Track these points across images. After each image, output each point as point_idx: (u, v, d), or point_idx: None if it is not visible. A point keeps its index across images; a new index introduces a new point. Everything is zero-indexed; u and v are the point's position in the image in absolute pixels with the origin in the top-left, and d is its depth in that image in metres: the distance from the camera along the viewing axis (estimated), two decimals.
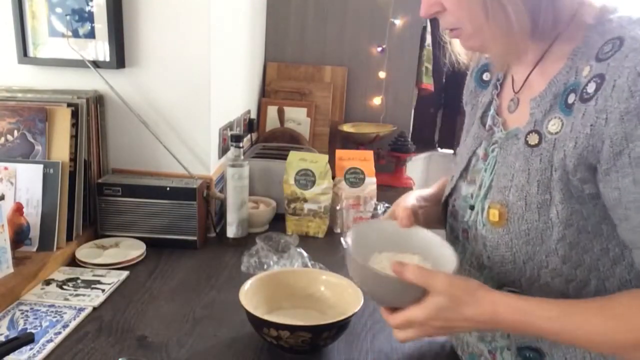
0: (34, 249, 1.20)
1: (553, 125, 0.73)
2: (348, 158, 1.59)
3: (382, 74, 2.15)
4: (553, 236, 0.73)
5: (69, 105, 1.27)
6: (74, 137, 1.27)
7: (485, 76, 0.93)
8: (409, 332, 0.76)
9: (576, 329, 0.69)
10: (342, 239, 0.88)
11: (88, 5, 1.33)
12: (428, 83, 2.28)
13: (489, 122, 0.87)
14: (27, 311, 1.03)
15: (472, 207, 0.85)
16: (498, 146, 0.83)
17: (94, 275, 1.18)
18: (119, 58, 1.37)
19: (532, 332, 0.73)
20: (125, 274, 1.20)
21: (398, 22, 2.10)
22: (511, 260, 0.77)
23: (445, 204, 0.94)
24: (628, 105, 0.63)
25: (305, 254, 1.26)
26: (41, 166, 1.22)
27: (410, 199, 0.94)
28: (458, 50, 0.88)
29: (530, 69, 0.80)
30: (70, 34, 1.35)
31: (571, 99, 0.72)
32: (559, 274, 0.75)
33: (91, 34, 1.36)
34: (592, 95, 0.67)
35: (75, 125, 1.28)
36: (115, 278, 1.17)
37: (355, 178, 1.56)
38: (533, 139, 0.76)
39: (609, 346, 0.69)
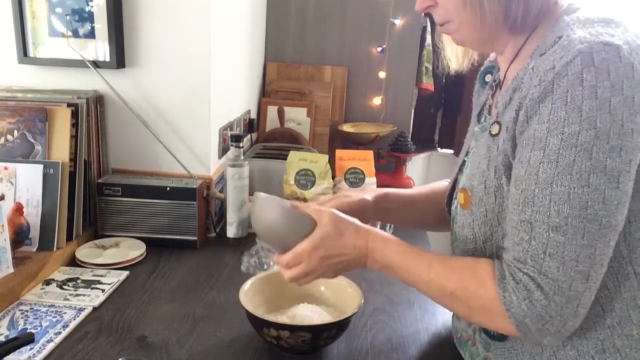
0: (34, 249, 1.20)
1: (509, 116, 0.77)
2: (348, 158, 1.59)
3: (382, 74, 2.15)
4: (506, 218, 0.77)
5: (69, 105, 1.27)
6: (74, 137, 1.27)
7: (488, 77, 0.97)
8: (297, 268, 0.85)
9: (417, 268, 0.81)
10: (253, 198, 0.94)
11: (88, 5, 1.33)
12: (428, 83, 2.28)
13: (482, 120, 0.92)
14: (27, 311, 1.03)
15: (456, 198, 0.91)
16: (474, 139, 0.89)
17: (94, 275, 1.18)
18: (119, 58, 1.37)
19: (386, 263, 0.84)
20: (125, 274, 1.20)
21: (398, 22, 2.10)
22: (472, 239, 0.83)
23: (450, 197, 0.98)
24: (534, 91, 0.70)
25: None
26: (41, 166, 1.22)
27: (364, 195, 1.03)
28: (449, 56, 0.94)
29: (507, 68, 0.85)
30: (70, 34, 1.35)
31: (516, 91, 0.77)
32: None
33: (91, 34, 1.36)
34: (523, 85, 0.74)
35: (75, 125, 1.28)
36: (115, 278, 1.17)
37: (355, 178, 1.56)
38: (494, 129, 0.81)
39: (436, 289, 0.80)
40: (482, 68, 1.01)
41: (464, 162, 0.94)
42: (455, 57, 0.94)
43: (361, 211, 0.99)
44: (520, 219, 0.71)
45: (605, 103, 0.66)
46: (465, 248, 0.85)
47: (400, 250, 0.84)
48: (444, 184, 1.12)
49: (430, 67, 2.27)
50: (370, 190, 1.07)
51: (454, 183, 0.97)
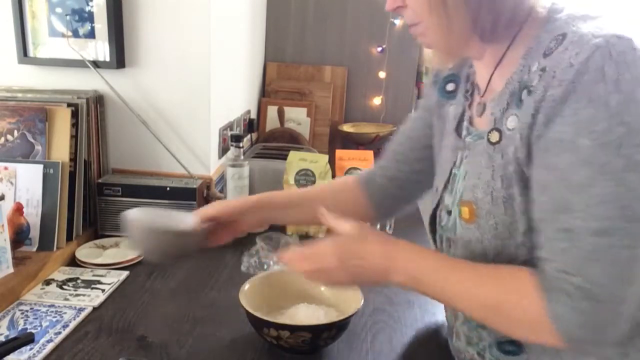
0: (34, 249, 1.20)
1: (511, 122, 0.75)
2: (348, 158, 1.59)
3: (382, 74, 2.15)
4: (519, 229, 0.74)
5: (69, 105, 1.27)
6: (74, 137, 1.27)
7: (450, 87, 0.93)
8: (313, 263, 0.82)
9: (455, 280, 0.75)
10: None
11: (88, 5, 1.33)
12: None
13: (464, 132, 0.88)
14: (27, 311, 1.03)
15: (449, 212, 0.86)
16: (467, 150, 0.85)
17: (94, 275, 1.18)
18: (119, 58, 1.37)
19: (418, 273, 0.77)
20: (125, 274, 1.20)
21: (398, 22, 2.10)
22: (482, 254, 0.78)
23: (433, 217, 0.94)
24: (555, 92, 0.66)
25: None
26: (41, 166, 1.22)
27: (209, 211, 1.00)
28: (429, 57, 0.90)
29: (490, 73, 0.82)
30: (70, 34, 1.35)
31: (524, 95, 0.74)
32: (528, 265, 0.75)
33: (91, 34, 1.36)
34: (535, 88, 0.70)
35: (75, 125, 1.28)
36: (115, 278, 1.17)
37: None
38: (494, 136, 0.78)
39: (476, 303, 0.73)
40: (438, 77, 0.97)
41: (448, 179, 0.89)
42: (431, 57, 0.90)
43: (242, 211, 1.00)
44: (557, 227, 0.67)
45: (630, 96, 0.64)
46: None
47: (432, 258, 0.78)
48: (346, 178, 1.12)
49: (430, 67, 2.27)
50: (363, 164, 1.08)
51: (438, 202, 0.91)
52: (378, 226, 1.40)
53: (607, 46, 0.65)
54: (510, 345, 0.81)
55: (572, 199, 0.66)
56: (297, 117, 2.10)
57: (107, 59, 1.36)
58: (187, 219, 0.98)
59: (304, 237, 1.45)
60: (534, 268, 0.71)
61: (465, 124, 0.88)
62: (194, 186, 1.34)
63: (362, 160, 1.59)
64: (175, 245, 0.94)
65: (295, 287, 1.05)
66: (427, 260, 0.77)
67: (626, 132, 0.63)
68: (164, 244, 0.93)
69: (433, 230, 0.95)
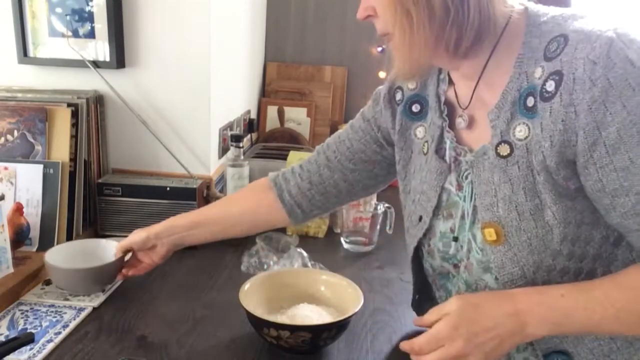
0: (34, 249, 1.20)
1: (520, 132, 0.73)
2: None
3: (382, 74, 2.15)
4: (555, 238, 0.72)
5: (69, 105, 1.27)
6: (74, 137, 1.27)
7: (415, 108, 0.90)
8: (437, 353, 0.71)
9: (597, 305, 0.68)
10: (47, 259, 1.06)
11: (88, 5, 1.33)
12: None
13: (451, 154, 0.84)
14: (27, 311, 1.03)
15: (455, 239, 0.83)
16: (469, 170, 0.81)
17: None
18: (119, 58, 1.37)
19: (554, 314, 0.70)
20: None
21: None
22: (521, 275, 0.75)
23: (417, 248, 0.91)
24: (592, 94, 0.65)
25: (305, 254, 1.26)
26: (41, 166, 1.22)
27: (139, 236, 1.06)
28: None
29: (474, 84, 0.79)
30: (70, 34, 1.35)
31: (530, 102, 0.72)
32: (567, 272, 0.74)
33: (91, 34, 1.36)
34: (554, 93, 0.68)
35: (75, 125, 1.28)
36: (116, 278, 1.17)
37: None
38: (504, 149, 0.75)
39: (632, 319, 0.68)
40: (394, 96, 0.93)
41: (437, 205, 0.85)
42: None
43: (150, 244, 1.06)
44: None
45: None
46: (513, 286, 0.75)
47: (564, 292, 0.70)
48: (259, 181, 1.12)
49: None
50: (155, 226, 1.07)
51: (428, 227, 0.87)
52: (378, 226, 1.40)
53: (618, 37, 0.65)
54: (559, 356, 0.77)
55: None
56: (297, 117, 2.10)
57: (107, 59, 1.36)
58: (109, 249, 1.12)
59: (304, 237, 1.45)
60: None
61: (448, 144, 0.84)
62: (194, 186, 1.34)
63: None
64: (97, 280, 1.08)
65: (295, 287, 1.05)
66: (560, 296, 0.70)
67: None
68: (86, 281, 1.07)
69: (417, 262, 0.92)
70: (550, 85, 0.69)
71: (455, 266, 0.85)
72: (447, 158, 0.85)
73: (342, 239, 1.42)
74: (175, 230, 1.07)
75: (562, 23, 0.71)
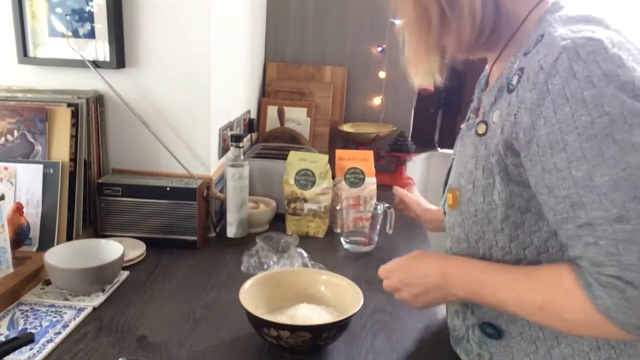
0: (34, 249, 1.20)
1: (496, 116, 0.78)
2: (348, 158, 1.59)
3: (382, 74, 2.15)
4: (497, 216, 0.78)
5: (69, 105, 1.27)
6: (74, 137, 1.27)
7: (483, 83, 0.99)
8: (385, 281, 0.94)
9: (504, 285, 0.77)
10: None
11: (88, 5, 1.33)
12: (428, 83, 2.28)
13: (468, 120, 0.94)
14: (27, 311, 1.03)
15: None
16: (460, 138, 0.90)
17: None
18: (119, 58, 1.37)
19: (472, 283, 0.81)
20: (125, 274, 1.20)
21: (398, 22, 2.10)
22: (465, 239, 0.84)
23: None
24: (532, 96, 0.69)
25: (305, 254, 1.26)
26: (41, 166, 1.22)
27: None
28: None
29: (491, 67, 0.87)
30: (70, 34, 1.35)
31: (505, 92, 0.77)
32: (508, 252, 0.80)
33: (91, 34, 1.36)
34: (514, 87, 0.73)
35: (75, 125, 1.28)
36: (115, 278, 1.17)
37: (355, 178, 1.56)
38: (481, 128, 0.81)
39: (526, 305, 0.75)
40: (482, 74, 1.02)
41: (451, 163, 0.95)
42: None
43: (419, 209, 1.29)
44: (577, 224, 0.68)
45: (605, 90, 0.65)
46: (458, 248, 0.86)
47: (483, 267, 0.81)
48: None
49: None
50: (364, 164, 1.18)
51: (445, 183, 0.98)
52: (380, 219, 1.40)
53: (573, 47, 0.67)
54: (491, 328, 0.84)
55: (583, 194, 0.67)
56: (297, 117, 2.10)
57: (107, 59, 1.36)
58: (109, 249, 1.14)
59: (304, 237, 1.46)
60: (572, 263, 0.72)
61: (471, 113, 0.94)
62: (194, 186, 1.34)
63: (362, 160, 1.59)
64: (97, 280, 1.09)
65: (295, 287, 1.05)
66: (477, 271, 0.81)
67: (611, 121, 0.65)
68: (86, 281, 1.07)
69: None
70: (515, 79, 0.74)
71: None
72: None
73: (342, 239, 1.42)
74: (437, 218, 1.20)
75: (552, 24, 0.74)
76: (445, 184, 0.97)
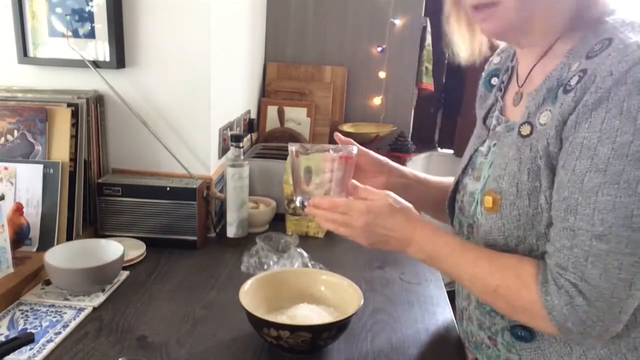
0: (34, 249, 1.20)
1: (544, 117, 0.77)
2: None
3: (382, 74, 2.15)
4: (542, 221, 0.77)
5: (69, 105, 1.27)
6: (74, 137, 1.27)
7: (494, 81, 0.97)
8: (341, 217, 0.87)
9: (463, 262, 0.81)
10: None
11: (88, 5, 1.33)
12: (428, 83, 2.28)
13: (493, 122, 0.91)
14: (27, 311, 1.03)
15: (473, 200, 0.90)
16: (496, 139, 0.87)
17: None
18: (119, 58, 1.37)
19: (432, 252, 0.84)
20: (125, 274, 1.20)
21: (398, 22, 2.10)
22: (503, 243, 0.81)
23: (452, 199, 0.98)
24: (589, 98, 0.69)
25: (305, 254, 1.26)
26: (41, 166, 1.22)
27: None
28: (457, 49, 0.92)
29: (533, 64, 0.84)
30: (70, 34, 1.35)
31: (560, 92, 0.76)
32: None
33: (91, 34, 1.35)
34: (573, 88, 0.72)
35: (75, 125, 1.28)
36: (115, 278, 1.17)
37: None
38: (525, 129, 0.79)
39: (480, 284, 0.79)
40: (484, 72, 1.01)
41: (468, 164, 0.93)
42: (464, 45, 0.91)
43: (379, 173, 1.03)
44: (563, 226, 0.71)
45: None
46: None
47: (450, 242, 0.84)
48: (451, 179, 1.13)
49: (430, 67, 2.27)
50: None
51: (456, 184, 0.96)
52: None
53: None
54: (523, 331, 0.83)
55: (582, 202, 0.69)
56: (297, 117, 2.10)
57: (107, 59, 1.36)
58: (109, 249, 1.13)
59: (304, 237, 1.45)
60: (534, 260, 0.76)
61: (496, 113, 0.91)
62: (194, 186, 1.34)
63: None
64: (97, 280, 1.09)
65: (295, 287, 1.05)
66: (442, 242, 0.84)
67: None
68: (86, 281, 1.07)
69: (451, 214, 0.99)
70: (574, 80, 0.72)
71: (470, 226, 0.91)
72: (489, 125, 0.92)
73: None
74: (405, 176, 1.07)
75: (618, 27, 0.72)
76: (457, 183, 0.95)
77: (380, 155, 1.05)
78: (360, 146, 0.99)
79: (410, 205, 0.89)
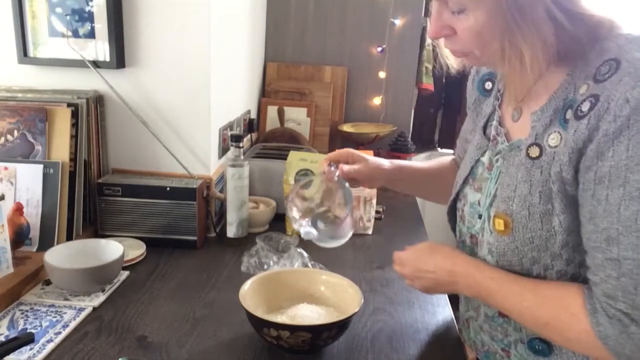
0: (34, 249, 1.20)
1: (553, 140, 0.76)
2: None
3: (382, 74, 2.15)
4: (557, 243, 0.76)
5: (69, 105, 1.27)
6: (74, 137, 1.27)
7: (487, 85, 0.96)
8: (398, 268, 0.95)
9: (512, 296, 0.80)
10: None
11: (88, 5, 1.33)
12: (428, 83, 2.28)
13: (492, 132, 0.90)
14: (27, 311, 1.03)
15: (480, 216, 0.88)
16: (501, 157, 0.86)
17: None
18: (119, 58, 1.37)
19: (479, 289, 0.83)
20: (125, 274, 1.20)
21: (398, 22, 2.10)
22: (519, 264, 0.81)
23: (452, 208, 0.97)
24: (609, 127, 0.67)
25: (305, 254, 1.26)
26: (41, 166, 1.22)
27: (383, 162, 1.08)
28: (447, 55, 0.89)
29: (535, 80, 0.81)
30: (70, 34, 1.35)
31: (569, 114, 0.75)
32: (564, 274, 0.79)
33: (91, 34, 1.35)
34: (585, 114, 0.70)
35: (75, 125, 1.28)
36: (115, 278, 1.17)
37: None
38: (534, 151, 0.78)
39: (530, 318, 0.78)
40: (476, 75, 0.99)
41: (470, 174, 0.92)
42: (453, 57, 0.89)
43: (374, 176, 1.06)
44: (606, 257, 0.70)
45: None
46: (511, 272, 0.83)
47: (495, 276, 0.82)
48: (447, 159, 1.16)
49: (430, 67, 2.27)
50: (384, 160, 1.09)
51: (457, 193, 0.95)
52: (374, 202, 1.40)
53: None
54: (541, 344, 0.83)
55: (622, 232, 0.68)
56: (297, 117, 2.10)
57: (107, 59, 1.36)
58: (109, 249, 1.13)
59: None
60: (584, 285, 0.74)
61: (494, 123, 0.90)
62: (194, 186, 1.34)
63: None
64: (97, 280, 1.09)
65: (295, 287, 1.05)
66: (487, 277, 0.83)
67: None
68: (86, 281, 1.07)
69: (452, 221, 0.99)
70: (586, 106, 0.71)
71: (473, 237, 0.91)
72: (489, 135, 0.91)
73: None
74: (407, 176, 1.12)
75: (623, 46, 0.71)
76: (459, 191, 0.94)
77: (371, 162, 1.06)
78: (346, 167, 1.02)
79: (449, 245, 0.91)
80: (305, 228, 0.97)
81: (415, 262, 0.92)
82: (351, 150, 1.07)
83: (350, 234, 1.00)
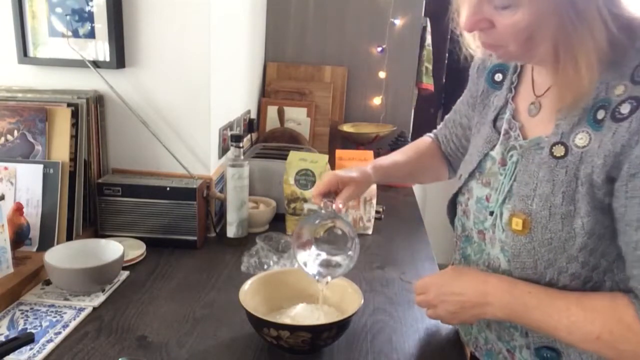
0: (34, 249, 1.20)
1: (580, 140, 0.74)
2: (348, 158, 1.59)
3: (382, 74, 2.15)
4: (575, 245, 0.74)
5: (69, 105, 1.27)
6: (74, 137, 1.27)
7: (497, 77, 0.93)
8: (421, 296, 0.91)
9: (556, 312, 0.75)
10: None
11: (88, 5, 1.33)
12: (428, 83, 2.28)
13: (504, 126, 0.87)
14: (27, 311, 1.03)
15: (491, 213, 0.86)
16: (518, 154, 0.83)
17: None
18: (119, 58, 1.37)
19: (516, 305, 0.78)
20: (125, 274, 1.20)
21: (398, 22, 2.10)
22: (532, 266, 0.79)
23: (453, 201, 0.96)
24: None
25: None
26: (41, 166, 1.22)
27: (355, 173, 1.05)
28: (474, 47, 0.85)
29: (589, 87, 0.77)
30: (70, 34, 1.35)
31: (600, 115, 0.72)
32: (577, 277, 0.77)
33: (91, 34, 1.35)
34: (626, 116, 0.68)
35: (75, 125, 1.28)
36: (115, 278, 1.17)
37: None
38: (559, 150, 0.76)
39: (579, 334, 0.73)
40: (482, 65, 0.97)
41: (477, 167, 0.90)
42: (477, 47, 0.85)
43: (365, 189, 1.05)
44: None
45: None
46: (522, 274, 0.81)
47: (533, 291, 0.78)
48: (425, 142, 1.16)
49: (430, 67, 2.27)
50: (368, 168, 1.07)
51: (465, 184, 0.93)
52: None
53: None
54: (550, 352, 0.81)
55: None
56: (297, 117, 2.10)
57: (107, 59, 1.36)
58: (109, 249, 1.13)
59: None
60: (629, 294, 0.72)
61: (507, 117, 0.87)
62: (194, 186, 1.34)
63: (362, 160, 1.59)
64: (97, 280, 1.09)
65: (295, 287, 1.05)
66: (525, 292, 0.78)
67: None
68: (86, 281, 1.07)
69: (452, 214, 0.97)
70: (625, 108, 0.69)
71: (481, 233, 0.89)
72: (499, 129, 0.88)
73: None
74: (392, 176, 1.14)
75: None
76: (463, 185, 0.93)
77: (358, 178, 1.03)
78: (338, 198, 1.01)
79: (475, 268, 0.88)
80: (316, 268, 0.97)
81: (439, 285, 0.87)
82: (336, 173, 1.02)
83: (356, 241, 0.96)
